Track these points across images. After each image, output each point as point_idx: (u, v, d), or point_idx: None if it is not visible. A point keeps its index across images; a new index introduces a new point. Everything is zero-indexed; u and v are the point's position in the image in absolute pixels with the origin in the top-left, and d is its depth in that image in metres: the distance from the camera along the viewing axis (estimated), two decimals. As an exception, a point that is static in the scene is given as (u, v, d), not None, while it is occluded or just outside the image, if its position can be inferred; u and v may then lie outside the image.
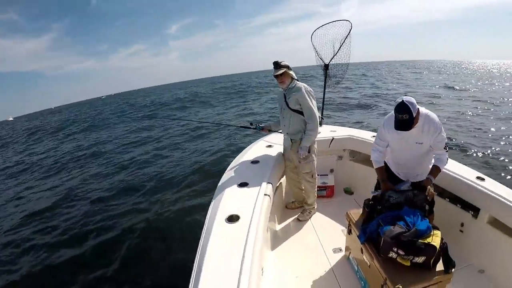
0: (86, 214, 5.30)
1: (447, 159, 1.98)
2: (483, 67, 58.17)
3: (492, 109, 11.62)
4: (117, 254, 3.80)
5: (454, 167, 2.38)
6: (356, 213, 2.12)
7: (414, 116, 1.72)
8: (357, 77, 32.08)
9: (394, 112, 1.78)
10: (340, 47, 3.36)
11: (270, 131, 3.08)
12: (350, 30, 3.19)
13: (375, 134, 2.71)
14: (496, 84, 22.35)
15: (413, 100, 1.75)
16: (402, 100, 1.74)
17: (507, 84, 22.05)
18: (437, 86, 20.50)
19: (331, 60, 3.52)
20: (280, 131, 3.15)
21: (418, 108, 1.78)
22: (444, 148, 1.92)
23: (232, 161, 2.78)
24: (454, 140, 7.61)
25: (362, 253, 1.86)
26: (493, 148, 6.91)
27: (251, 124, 3.12)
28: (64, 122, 27.17)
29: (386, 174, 2.13)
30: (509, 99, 13.96)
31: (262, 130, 3.03)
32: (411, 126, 1.76)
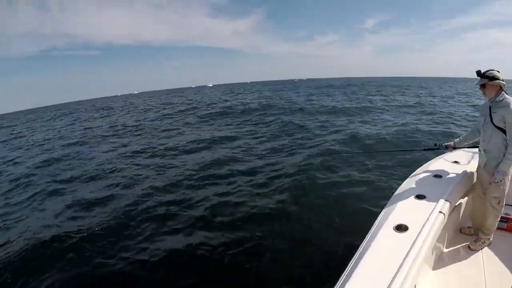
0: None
1: None
2: None
3: None
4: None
5: None
6: None
7: None
8: None
9: None
10: None
11: (454, 148, 2.93)
12: None
13: None
14: None
15: None
16: None
17: None
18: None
19: None
20: (466, 146, 2.92)
21: None
22: None
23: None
24: None
25: None
26: None
27: (435, 145, 3.07)
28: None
29: None
30: None
31: (446, 149, 2.96)
32: None
